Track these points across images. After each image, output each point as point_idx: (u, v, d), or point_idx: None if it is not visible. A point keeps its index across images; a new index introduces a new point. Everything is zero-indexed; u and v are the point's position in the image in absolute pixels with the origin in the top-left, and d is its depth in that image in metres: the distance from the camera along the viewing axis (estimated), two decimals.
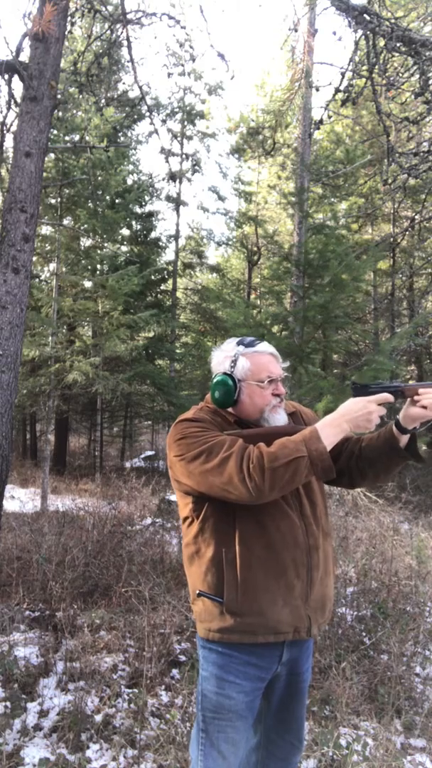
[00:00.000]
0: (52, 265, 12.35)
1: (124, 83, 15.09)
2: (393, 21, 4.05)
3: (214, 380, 1.64)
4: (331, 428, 1.48)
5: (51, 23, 4.01)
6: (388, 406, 1.56)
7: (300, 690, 1.71)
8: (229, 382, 1.61)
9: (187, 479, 1.54)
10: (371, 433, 1.63)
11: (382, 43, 4.03)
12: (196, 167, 15.41)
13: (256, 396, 1.63)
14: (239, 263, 19.49)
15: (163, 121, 15.13)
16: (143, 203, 15.37)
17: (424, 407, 1.51)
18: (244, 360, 1.63)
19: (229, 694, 1.58)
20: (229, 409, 1.68)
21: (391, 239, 12.04)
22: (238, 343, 1.67)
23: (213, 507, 1.57)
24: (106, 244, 12.95)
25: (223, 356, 1.68)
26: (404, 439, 1.60)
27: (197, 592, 1.60)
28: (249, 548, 1.53)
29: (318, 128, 4.40)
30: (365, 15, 3.90)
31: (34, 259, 11.51)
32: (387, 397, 1.52)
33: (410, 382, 1.61)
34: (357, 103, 4.18)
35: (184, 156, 15.27)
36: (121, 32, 4.88)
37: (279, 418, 1.65)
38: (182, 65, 14.62)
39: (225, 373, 1.63)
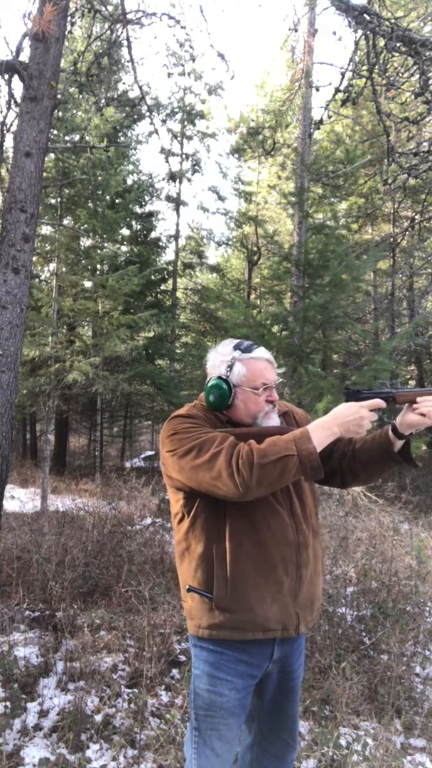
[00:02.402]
0: (52, 265, 12.36)
1: (124, 83, 15.10)
2: (393, 21, 4.05)
3: (209, 384, 1.64)
4: (322, 430, 1.50)
5: (51, 23, 4.01)
6: (381, 413, 1.57)
7: (292, 688, 1.72)
8: (223, 387, 1.62)
9: (178, 474, 1.55)
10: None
11: (382, 43, 4.03)
12: (196, 167, 15.41)
13: (251, 402, 1.64)
14: (239, 263, 19.48)
15: (163, 121, 15.13)
16: (143, 203, 15.37)
17: (423, 414, 1.54)
18: (240, 366, 1.63)
19: (221, 692, 1.58)
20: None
21: (391, 239, 12.03)
22: (235, 348, 1.66)
23: (204, 503, 1.58)
24: (106, 244, 12.95)
25: (220, 359, 1.67)
26: (399, 444, 1.62)
27: (187, 587, 1.61)
28: (239, 545, 1.54)
29: (318, 128, 4.40)
30: (365, 15, 3.90)
31: (34, 259, 11.51)
32: (379, 402, 1.54)
33: (403, 388, 1.63)
34: (357, 103, 4.18)
35: (184, 156, 15.27)
36: (121, 32, 4.88)
37: (271, 424, 1.67)
38: (182, 65, 14.62)
39: (220, 378, 1.64)
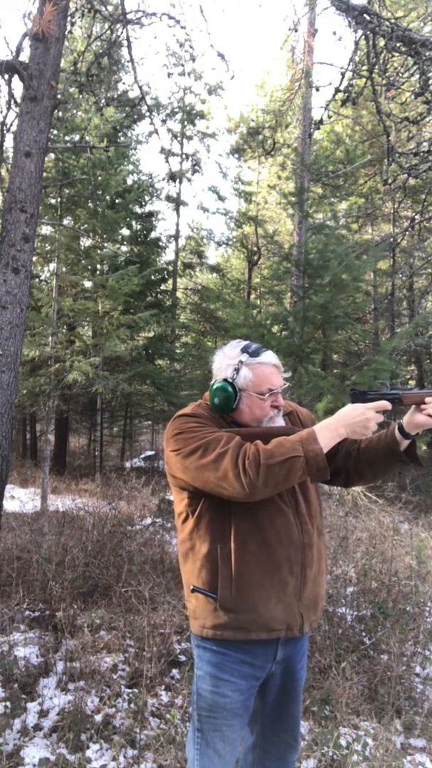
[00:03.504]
0: (52, 265, 12.35)
1: (124, 83, 15.09)
2: (393, 21, 4.05)
3: (215, 386, 1.63)
4: (329, 431, 1.50)
5: (51, 23, 4.01)
6: (385, 414, 1.57)
7: (295, 689, 1.72)
8: (229, 390, 1.61)
9: (183, 474, 1.54)
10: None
11: (382, 43, 4.03)
12: (196, 167, 15.40)
13: (256, 407, 1.63)
14: (239, 263, 19.48)
15: (163, 121, 15.12)
16: (143, 203, 15.37)
17: (430, 416, 1.54)
18: (246, 370, 1.62)
19: (224, 693, 1.58)
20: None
21: (391, 239, 12.03)
22: (243, 350, 1.65)
23: (208, 503, 1.57)
24: (106, 244, 12.95)
25: (226, 362, 1.66)
26: (405, 443, 1.63)
27: (191, 587, 1.61)
28: (244, 545, 1.54)
29: (318, 128, 4.40)
30: (365, 15, 3.90)
31: (34, 259, 11.51)
32: (385, 404, 1.54)
33: (409, 390, 1.63)
34: (357, 103, 4.18)
35: (184, 156, 15.26)
36: (121, 32, 4.88)
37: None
38: (182, 65, 14.61)
39: (226, 380, 1.63)
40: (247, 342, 1.69)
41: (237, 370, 1.62)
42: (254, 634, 1.55)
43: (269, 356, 1.66)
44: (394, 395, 1.57)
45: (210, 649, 1.60)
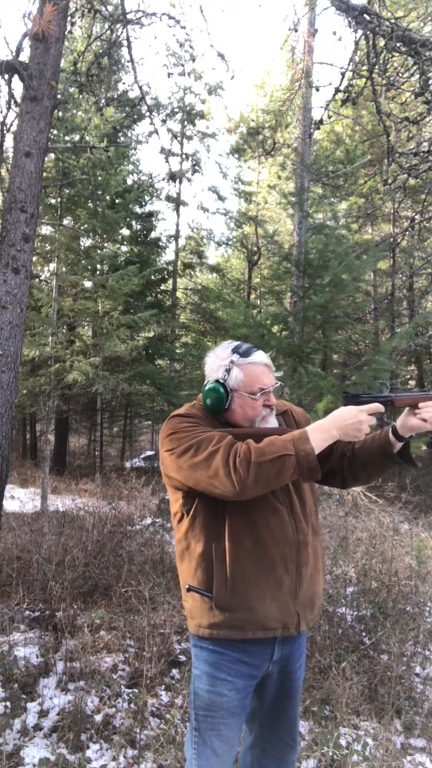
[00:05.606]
0: (52, 265, 12.36)
1: (124, 83, 15.07)
2: (393, 21, 4.04)
3: (207, 387, 1.64)
4: (321, 432, 1.50)
5: (51, 23, 4.01)
6: (380, 415, 1.58)
7: (292, 688, 1.72)
8: (221, 391, 1.62)
9: (177, 473, 1.55)
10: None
11: (382, 43, 4.03)
12: (196, 167, 15.42)
13: (248, 407, 1.64)
14: (239, 263, 19.49)
15: (163, 121, 15.13)
16: (143, 203, 15.38)
17: (424, 420, 1.54)
18: (237, 371, 1.63)
19: (221, 692, 1.59)
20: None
21: (391, 239, 12.02)
22: (233, 351, 1.66)
23: (203, 502, 1.58)
24: (106, 244, 12.95)
25: (218, 363, 1.67)
26: (398, 446, 1.63)
27: (187, 587, 1.61)
28: (238, 543, 1.54)
29: (318, 128, 4.40)
30: (365, 15, 3.89)
31: (34, 259, 11.51)
32: (378, 407, 1.54)
33: (401, 392, 1.64)
34: (357, 103, 4.17)
35: (184, 156, 15.27)
36: (121, 32, 4.88)
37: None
38: (182, 65, 14.63)
39: (218, 381, 1.63)
40: (238, 342, 1.70)
41: (228, 370, 1.63)
42: (250, 633, 1.55)
43: (260, 356, 1.67)
44: (386, 398, 1.57)
45: (207, 648, 1.61)
